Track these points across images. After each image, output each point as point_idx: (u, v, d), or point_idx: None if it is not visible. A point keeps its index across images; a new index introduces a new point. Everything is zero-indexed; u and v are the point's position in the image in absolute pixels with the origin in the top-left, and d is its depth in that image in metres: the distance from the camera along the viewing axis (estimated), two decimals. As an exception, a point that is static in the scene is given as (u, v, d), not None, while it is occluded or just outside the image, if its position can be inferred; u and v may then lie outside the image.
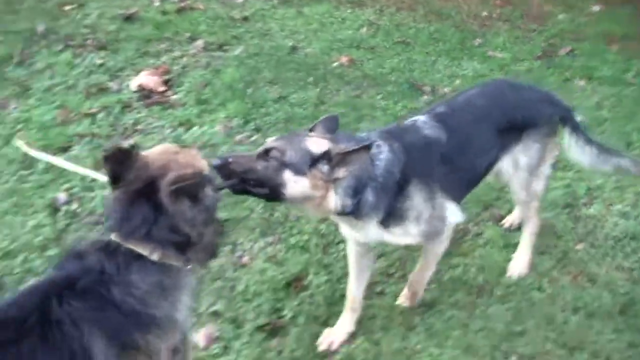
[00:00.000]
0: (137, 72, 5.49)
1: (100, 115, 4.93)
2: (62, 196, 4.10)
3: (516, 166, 3.43)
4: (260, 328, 3.28)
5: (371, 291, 3.50)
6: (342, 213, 2.82)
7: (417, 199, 2.97)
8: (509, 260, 3.75)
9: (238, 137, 4.70)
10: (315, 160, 2.68)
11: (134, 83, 5.34)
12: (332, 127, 2.92)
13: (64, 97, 5.14)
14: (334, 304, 3.43)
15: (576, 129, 3.62)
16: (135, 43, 5.95)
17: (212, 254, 2.39)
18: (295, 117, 4.94)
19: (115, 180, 2.15)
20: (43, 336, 1.95)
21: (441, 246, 3.26)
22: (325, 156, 2.68)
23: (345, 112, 5.02)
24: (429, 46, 6.16)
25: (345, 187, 2.75)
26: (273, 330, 3.28)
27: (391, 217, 2.93)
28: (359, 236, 3.09)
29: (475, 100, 3.38)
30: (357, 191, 2.79)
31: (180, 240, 2.18)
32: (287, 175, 2.66)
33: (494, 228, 4.02)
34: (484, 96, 3.42)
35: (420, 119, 3.18)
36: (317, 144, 2.72)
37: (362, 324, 3.33)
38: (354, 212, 2.84)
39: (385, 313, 3.40)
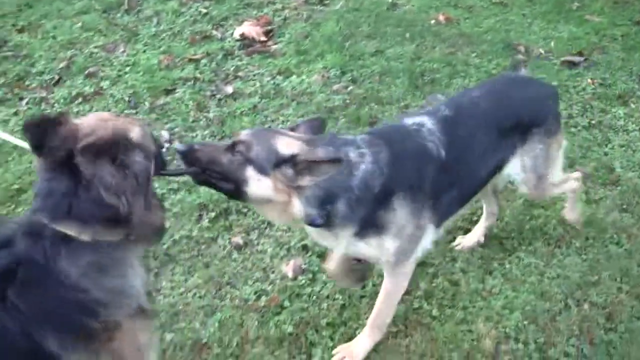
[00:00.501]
0: (240, 22, 5.73)
1: (203, 61, 5.20)
2: (164, 134, 4.38)
3: (523, 168, 3.17)
4: None
5: (452, 236, 3.62)
6: (310, 224, 2.57)
7: (400, 214, 2.69)
8: (590, 214, 3.78)
9: (335, 87, 4.86)
10: (280, 162, 2.43)
11: (237, 32, 5.59)
12: (317, 128, 2.72)
13: (169, 43, 5.45)
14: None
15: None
16: (238, -7, 6.21)
17: (157, 231, 2.19)
18: (391, 70, 5.06)
19: (38, 149, 1.93)
20: None
21: (402, 280, 2.96)
22: (292, 160, 2.43)
23: (440, 67, 5.10)
24: (525, 8, 6.10)
25: (309, 196, 2.48)
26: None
27: (369, 228, 2.67)
28: (330, 246, 2.87)
29: (479, 101, 3.08)
30: (324, 202, 2.52)
31: (107, 214, 1.95)
32: (250, 173, 2.42)
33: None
34: (489, 97, 3.12)
35: (427, 125, 2.85)
36: (287, 144, 2.48)
37: (442, 266, 3.45)
38: (324, 225, 2.59)
39: (465, 256, 3.52)
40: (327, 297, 3.23)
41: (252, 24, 5.68)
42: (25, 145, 1.98)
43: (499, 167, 3.11)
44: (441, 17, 5.89)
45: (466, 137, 2.92)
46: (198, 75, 5.04)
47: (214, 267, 3.34)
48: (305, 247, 3.51)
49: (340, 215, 2.56)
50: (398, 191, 2.66)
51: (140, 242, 2.12)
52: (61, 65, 5.14)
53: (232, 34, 5.60)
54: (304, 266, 3.42)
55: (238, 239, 3.51)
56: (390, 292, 2.96)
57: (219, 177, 2.45)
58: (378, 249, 2.73)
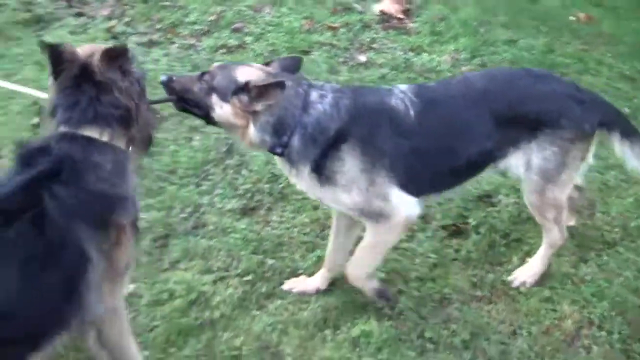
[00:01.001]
0: (381, -1, 5.97)
1: (341, 30, 5.48)
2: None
3: (528, 167, 3.05)
4: (444, 227, 3.61)
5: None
6: (269, 150, 2.80)
7: (349, 164, 2.77)
8: None
9: (463, 69, 5.01)
10: (238, 89, 2.68)
11: (377, 7, 5.84)
12: (291, 66, 2.90)
13: (312, 9, 5.76)
14: (518, 223, 3.67)
15: (629, 133, 3.16)
16: (384, -28, 6.42)
17: (150, 139, 2.52)
18: (521, 59, 5.13)
19: (55, 70, 2.26)
20: (37, 225, 2.03)
21: (388, 235, 2.96)
22: (246, 86, 2.66)
23: (571, 63, 5.12)
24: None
25: (263, 122, 2.71)
26: (455, 231, 3.60)
27: (322, 174, 2.79)
28: (298, 186, 2.94)
29: (476, 81, 3.05)
30: (277, 131, 2.73)
31: (122, 114, 2.28)
32: (214, 99, 2.71)
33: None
34: (489, 79, 3.10)
35: (400, 87, 2.94)
36: (245, 73, 2.72)
37: (537, 245, 3.50)
38: (283, 154, 2.78)
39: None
40: (422, 254, 3.41)
41: (392, 2, 5.90)
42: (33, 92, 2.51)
43: (491, 155, 3.03)
44: (582, 15, 5.86)
45: (445, 109, 2.93)
46: (335, 42, 5.32)
47: (321, 211, 3.59)
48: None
49: (295, 150, 2.75)
50: (349, 139, 2.75)
51: (138, 148, 2.45)
52: (211, 18, 5.56)
53: (372, 8, 5.84)
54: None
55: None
56: (372, 242, 2.98)
57: (192, 104, 2.78)
58: (336, 201, 2.85)
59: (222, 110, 2.73)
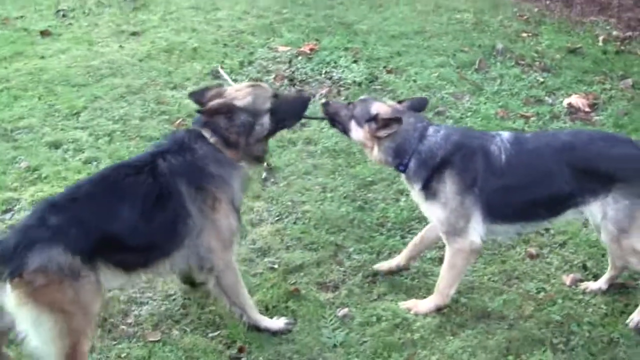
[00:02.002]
0: (569, 94, 6.55)
1: (532, 119, 6.12)
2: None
3: (604, 216, 3.55)
4: (613, 285, 4.04)
5: None
6: (391, 166, 3.76)
7: (449, 186, 3.57)
8: None
9: None
10: (370, 119, 3.63)
11: (566, 101, 6.44)
12: (417, 106, 3.81)
13: (507, 100, 6.46)
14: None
15: None
16: (574, 71, 7.07)
17: (257, 159, 3.66)
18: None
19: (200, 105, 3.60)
20: (151, 176, 3.30)
21: (457, 256, 3.71)
22: (375, 118, 3.61)
23: None
24: None
25: (386, 146, 3.65)
26: (623, 287, 4.04)
27: (428, 191, 3.62)
28: (414, 199, 3.83)
29: (562, 136, 3.83)
30: (397, 154, 3.66)
31: (226, 137, 3.47)
32: (353, 124, 3.71)
33: None
34: (574, 135, 3.81)
35: (502, 135, 3.70)
36: (377, 108, 3.67)
37: None
38: (404, 172, 3.70)
39: None
40: (594, 304, 3.92)
41: (580, 97, 6.47)
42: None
43: (569, 201, 3.62)
44: None
45: (530, 155, 3.62)
46: (526, 129, 5.95)
47: (508, 264, 4.22)
48: (585, 266, 4.23)
49: (412, 170, 3.66)
50: (451, 167, 3.57)
51: (246, 162, 3.60)
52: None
53: (561, 102, 6.45)
54: (579, 279, 4.12)
55: (532, 250, 4.35)
56: (449, 263, 3.75)
57: (338, 123, 3.82)
58: (432, 213, 3.69)
59: (357, 133, 3.74)
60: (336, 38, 7.73)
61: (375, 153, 3.71)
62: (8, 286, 2.90)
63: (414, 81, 6.81)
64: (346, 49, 7.48)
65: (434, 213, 3.68)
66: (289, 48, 7.54)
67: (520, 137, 3.82)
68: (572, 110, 6.32)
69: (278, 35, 7.95)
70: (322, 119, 4.05)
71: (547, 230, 4.52)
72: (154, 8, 8.92)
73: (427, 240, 4.06)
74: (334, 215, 4.64)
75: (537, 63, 7.25)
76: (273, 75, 6.92)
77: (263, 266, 4.18)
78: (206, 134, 3.49)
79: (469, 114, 6.20)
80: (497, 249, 4.37)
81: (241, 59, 7.31)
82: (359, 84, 6.73)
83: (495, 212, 3.65)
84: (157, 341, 3.58)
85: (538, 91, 6.68)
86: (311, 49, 7.44)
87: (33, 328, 2.94)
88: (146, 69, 7.02)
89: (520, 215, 3.75)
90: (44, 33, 8.07)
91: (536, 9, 8.93)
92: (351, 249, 4.33)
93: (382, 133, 3.61)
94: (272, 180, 5.09)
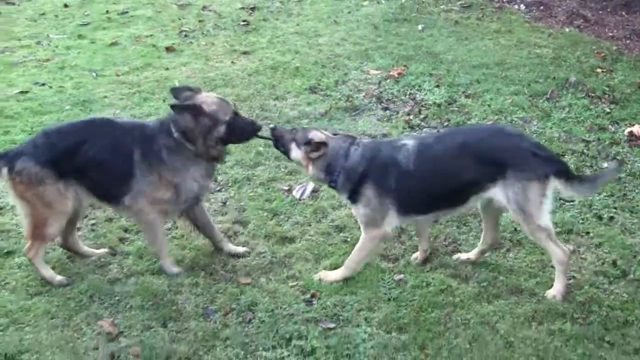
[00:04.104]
0: (633, 124, 7.11)
1: (592, 143, 6.74)
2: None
3: (508, 200, 4.31)
4: None
5: None
6: (324, 182, 4.60)
7: (369, 193, 4.37)
8: None
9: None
10: (306, 142, 4.42)
11: (627, 130, 7.02)
12: (349, 137, 4.60)
13: (572, 126, 7.10)
14: None
15: (569, 179, 4.34)
16: (641, 103, 7.64)
17: (213, 159, 4.54)
18: None
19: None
20: (122, 138, 4.52)
21: (370, 242, 4.51)
22: (309, 142, 4.41)
23: None
24: None
25: (318, 165, 4.46)
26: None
27: (355, 198, 4.43)
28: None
29: (457, 137, 4.58)
30: (328, 172, 4.45)
31: (188, 134, 4.36)
32: (292, 146, 4.51)
33: None
34: (466, 134, 4.67)
35: (409, 144, 4.44)
36: (313, 134, 4.47)
37: None
38: (335, 187, 4.51)
39: None
40: (617, 292, 4.56)
41: (642, 127, 7.07)
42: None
43: (471, 190, 4.38)
44: None
45: (434, 159, 4.39)
46: (585, 151, 6.58)
47: (546, 256, 4.84)
48: (615, 263, 4.85)
49: (340, 184, 4.47)
50: (369, 180, 4.38)
51: (205, 159, 4.50)
52: (488, 122, 7.17)
53: (623, 130, 7.03)
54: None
55: (570, 247, 4.92)
56: (360, 247, 4.55)
57: (281, 145, 4.59)
58: (358, 213, 4.49)
59: (296, 153, 4.53)
60: (423, 65, 8.60)
61: (310, 171, 4.53)
62: (7, 177, 4.43)
63: (488, 105, 7.57)
64: (430, 74, 8.34)
65: (359, 212, 4.49)
66: (379, 71, 8.48)
67: (423, 144, 4.52)
68: (632, 138, 6.88)
69: (371, 60, 8.91)
70: (269, 139, 4.71)
71: (586, 232, 5.22)
72: (263, 32, 10.12)
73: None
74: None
75: (606, 96, 7.82)
76: (363, 94, 7.86)
77: (338, 239, 5.09)
78: (172, 128, 4.42)
79: (534, 135, 6.85)
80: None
81: (336, 78, 8.31)
82: (439, 105, 7.56)
83: (410, 208, 4.48)
84: (248, 284, 4.56)
85: (603, 120, 7.26)
86: (399, 73, 8.35)
87: (17, 206, 4.61)
88: (254, 82, 8.15)
89: (433, 207, 4.55)
90: (168, 49, 9.40)
91: (615, 47, 9.48)
92: (413, 232, 5.14)
93: (313, 155, 4.44)
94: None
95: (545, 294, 4.49)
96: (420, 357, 3.94)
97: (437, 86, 8.02)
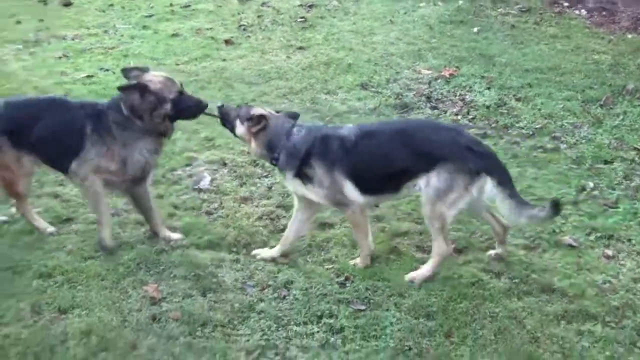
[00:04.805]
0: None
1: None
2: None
3: (427, 184, 4.41)
4: None
5: None
6: (266, 160, 4.69)
7: (317, 170, 4.45)
8: None
9: None
10: (248, 118, 4.56)
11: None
12: (292, 115, 4.75)
13: (623, 133, 6.98)
14: None
15: (502, 183, 4.38)
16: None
17: (161, 135, 4.75)
18: None
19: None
20: (77, 115, 4.75)
21: (354, 217, 4.61)
22: (251, 118, 4.54)
23: None
24: None
25: (260, 140, 4.57)
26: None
27: (304, 177, 4.49)
28: (288, 186, 4.73)
29: (397, 124, 5.10)
30: (269, 147, 4.56)
31: (136, 111, 4.58)
32: (237, 122, 4.64)
33: None
34: (405, 123, 5.27)
35: (350, 126, 4.65)
36: (255, 110, 4.62)
37: None
38: (276, 165, 4.59)
39: None
40: (648, 294, 4.58)
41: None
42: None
43: (407, 173, 4.47)
44: None
45: (373, 140, 4.51)
46: (636, 159, 6.52)
47: (584, 259, 4.88)
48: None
49: (282, 162, 4.55)
50: (315, 156, 4.46)
51: (153, 134, 4.71)
52: (537, 126, 7.19)
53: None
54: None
55: (609, 252, 5.00)
56: (353, 224, 4.71)
57: (227, 122, 4.72)
58: (314, 194, 4.54)
59: (240, 129, 4.65)
60: (475, 67, 8.66)
61: (253, 146, 4.64)
62: None
63: (539, 109, 7.57)
64: (482, 77, 8.39)
65: (315, 193, 4.56)
66: (430, 71, 8.58)
67: (364, 126, 4.75)
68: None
69: (423, 60, 9.02)
70: (216, 116, 4.85)
71: (628, 239, 5.21)
72: (319, 29, 10.35)
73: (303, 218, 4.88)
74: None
75: (661, 104, 7.71)
76: (413, 92, 7.98)
77: (376, 228, 5.20)
78: (122, 105, 4.64)
79: (583, 141, 6.85)
80: (578, 247, 5.09)
81: (388, 76, 8.46)
82: (487, 107, 7.61)
83: (364, 184, 4.52)
84: (285, 263, 4.75)
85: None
86: (450, 74, 8.43)
87: None
88: (307, 76, 8.38)
89: (370, 189, 4.57)
90: (227, 42, 9.71)
91: (681, 54, 9.28)
92: (450, 227, 5.22)
93: (254, 129, 4.56)
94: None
95: (406, 275, 4.61)
96: (444, 343, 4.04)
97: (488, 88, 8.06)
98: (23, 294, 4.37)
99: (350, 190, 4.50)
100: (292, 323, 4.16)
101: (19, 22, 10.75)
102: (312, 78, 8.33)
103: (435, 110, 7.58)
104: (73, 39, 9.98)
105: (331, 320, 4.18)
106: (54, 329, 4.06)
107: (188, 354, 3.90)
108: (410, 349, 3.99)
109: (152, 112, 4.62)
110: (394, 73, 8.59)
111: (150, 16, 11.05)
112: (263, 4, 11.61)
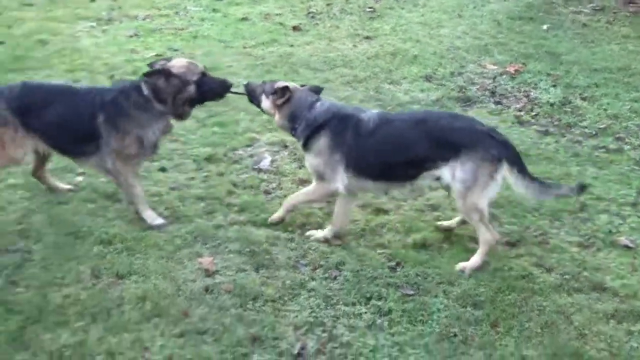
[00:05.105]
0: None
1: None
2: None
3: (453, 177, 4.47)
4: None
5: None
6: (288, 131, 4.87)
7: (322, 141, 4.64)
8: None
9: None
10: (273, 92, 4.78)
11: None
12: (315, 89, 4.97)
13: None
14: None
15: (522, 171, 4.50)
16: None
17: (179, 117, 4.94)
18: None
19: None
20: (90, 100, 4.90)
21: (318, 190, 4.78)
22: (276, 90, 4.75)
23: None
24: None
25: (283, 112, 4.78)
26: None
27: (308, 145, 4.71)
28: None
29: (417, 114, 5.31)
30: (292, 119, 4.75)
31: (159, 94, 4.77)
32: (263, 97, 4.88)
33: None
34: (425, 113, 5.41)
35: (373, 111, 4.79)
36: (280, 84, 4.79)
37: None
38: (295, 135, 4.82)
39: None
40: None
41: None
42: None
43: (423, 166, 4.55)
44: None
45: (393, 127, 4.62)
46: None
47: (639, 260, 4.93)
48: None
49: (299, 132, 4.75)
50: (326, 130, 4.63)
51: (171, 116, 4.92)
52: (601, 126, 7.10)
53: None
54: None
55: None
56: (309, 190, 4.90)
57: (253, 98, 4.98)
58: (309, 162, 4.78)
59: (265, 103, 4.89)
60: (541, 64, 8.59)
61: (277, 118, 4.85)
62: None
63: (604, 110, 7.48)
64: (548, 74, 8.32)
65: (310, 162, 4.77)
66: (496, 67, 8.56)
67: (386, 114, 5.06)
68: None
69: (489, 55, 8.99)
70: (243, 94, 5.08)
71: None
72: (387, 19, 10.40)
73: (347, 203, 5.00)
74: (498, 195, 5.57)
75: None
76: (477, 86, 7.97)
77: (430, 217, 5.29)
78: (143, 87, 4.80)
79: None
80: (634, 248, 5.06)
81: (452, 69, 8.46)
82: (552, 105, 7.56)
83: (360, 170, 4.63)
84: (338, 245, 4.85)
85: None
86: (516, 70, 8.38)
87: None
88: (372, 65, 8.44)
89: (383, 174, 4.69)
90: (295, 28, 9.85)
91: None
92: (504, 220, 5.28)
93: (279, 101, 4.76)
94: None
95: (456, 265, 4.66)
96: (490, 332, 4.09)
97: (554, 86, 8.00)
98: (84, 258, 4.58)
99: (340, 174, 4.68)
100: (340, 303, 4.27)
101: (92, 1, 11.07)
102: (376, 67, 8.40)
103: (499, 106, 7.55)
104: (144, 19, 10.23)
105: (379, 303, 4.27)
106: (111, 293, 4.26)
107: (238, 325, 4.05)
108: (455, 335, 4.06)
109: (176, 95, 4.81)
110: (459, 66, 8.58)
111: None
112: (332, -8, 11.71)
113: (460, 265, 4.66)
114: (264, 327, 4.04)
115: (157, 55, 8.46)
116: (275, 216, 5.03)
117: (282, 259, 4.67)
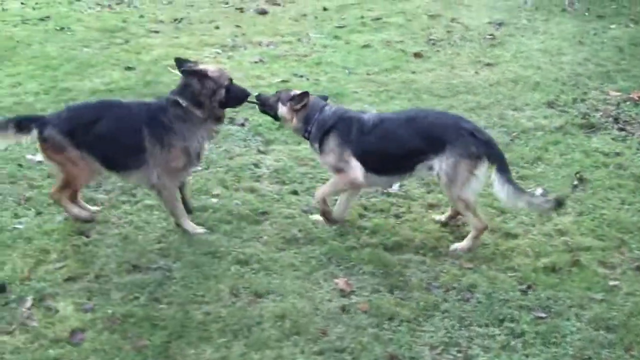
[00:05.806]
0: None
1: None
2: None
3: (440, 169, 4.99)
4: None
5: None
6: (301, 134, 5.39)
7: (332, 141, 5.18)
8: None
9: None
10: (289, 99, 5.30)
11: None
12: (323, 97, 5.54)
13: None
14: None
15: (500, 170, 4.96)
16: None
17: (217, 120, 5.21)
18: None
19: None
20: (136, 117, 5.18)
21: (340, 181, 5.22)
22: (292, 98, 5.28)
23: None
24: None
25: (299, 117, 5.31)
26: None
27: (321, 147, 5.23)
28: (316, 157, 5.58)
29: (409, 112, 5.84)
30: (306, 122, 5.28)
31: (197, 98, 5.04)
32: (279, 105, 5.36)
33: None
34: (418, 110, 6.24)
35: (372, 112, 5.80)
36: (295, 92, 5.35)
37: None
38: (308, 138, 5.33)
39: None
40: None
41: None
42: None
43: (417, 158, 5.09)
44: None
45: (389, 125, 5.18)
46: None
47: None
48: None
49: (312, 135, 5.30)
50: (334, 131, 5.19)
51: (211, 121, 5.18)
52: None
53: None
54: None
55: None
56: (330, 182, 5.37)
57: (268, 108, 5.48)
58: (324, 161, 5.30)
59: (282, 109, 5.37)
60: (667, 91, 8.45)
61: (295, 122, 5.35)
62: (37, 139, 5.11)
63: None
64: (675, 101, 8.17)
65: (325, 160, 5.29)
66: (619, 93, 8.51)
67: (384, 114, 5.70)
68: None
69: (612, 81, 8.94)
70: (256, 103, 5.55)
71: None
72: (508, 46, 10.52)
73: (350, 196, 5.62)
74: (627, 220, 5.63)
75: None
76: (600, 113, 7.95)
77: (559, 242, 5.37)
78: (180, 100, 5.05)
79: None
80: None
81: (575, 96, 8.47)
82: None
83: (366, 166, 5.16)
84: (470, 268, 5.02)
85: None
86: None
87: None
88: (494, 92, 8.60)
89: (384, 169, 5.27)
90: (416, 55, 10.12)
91: None
92: (634, 246, 5.30)
93: (298, 106, 5.27)
94: (581, 188, 6.23)
95: (451, 246, 5.22)
96: (624, 356, 4.16)
97: (681, 114, 7.85)
98: (222, 277, 4.81)
99: (355, 163, 5.17)
100: (474, 324, 4.44)
101: (217, 28, 11.64)
102: (499, 94, 8.53)
103: (623, 132, 7.50)
104: (268, 45, 10.69)
105: (512, 325, 4.41)
106: (250, 311, 4.50)
107: (375, 344, 4.25)
108: (589, 358, 4.15)
109: (211, 97, 5.09)
110: (581, 93, 8.58)
111: (342, 27, 11.66)
112: (452, 19, 11.92)
113: (453, 246, 5.22)
114: (401, 347, 4.24)
115: (282, 81, 8.90)
116: (317, 216, 5.54)
117: (415, 280, 4.88)
